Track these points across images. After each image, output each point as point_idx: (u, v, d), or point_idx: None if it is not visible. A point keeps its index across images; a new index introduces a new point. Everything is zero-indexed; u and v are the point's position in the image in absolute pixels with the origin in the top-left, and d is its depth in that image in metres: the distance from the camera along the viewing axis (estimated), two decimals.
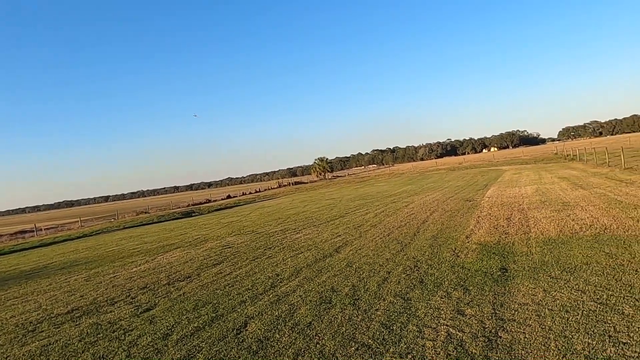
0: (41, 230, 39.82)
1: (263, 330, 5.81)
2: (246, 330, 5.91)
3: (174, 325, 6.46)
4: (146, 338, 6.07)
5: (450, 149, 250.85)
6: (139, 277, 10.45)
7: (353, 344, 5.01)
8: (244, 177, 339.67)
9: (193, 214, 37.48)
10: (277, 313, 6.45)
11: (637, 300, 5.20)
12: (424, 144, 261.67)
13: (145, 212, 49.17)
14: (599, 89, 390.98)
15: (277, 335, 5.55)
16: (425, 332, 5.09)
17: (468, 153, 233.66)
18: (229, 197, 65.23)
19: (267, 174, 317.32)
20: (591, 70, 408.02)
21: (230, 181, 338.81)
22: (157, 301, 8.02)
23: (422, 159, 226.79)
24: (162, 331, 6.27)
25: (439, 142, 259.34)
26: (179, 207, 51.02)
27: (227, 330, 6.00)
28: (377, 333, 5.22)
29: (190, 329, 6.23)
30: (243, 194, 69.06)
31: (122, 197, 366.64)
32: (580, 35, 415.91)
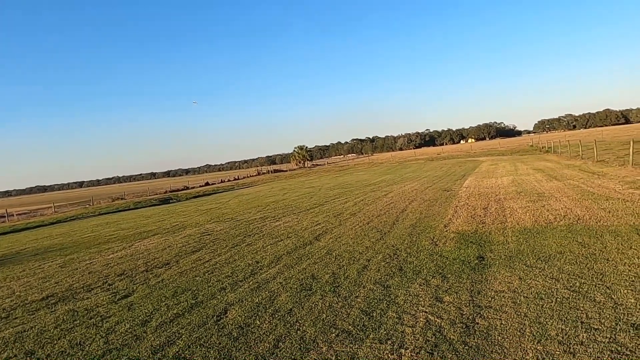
0: (13, 215, 38.85)
1: (243, 317, 5.81)
2: (226, 316, 5.90)
3: (153, 312, 6.41)
4: (124, 325, 6.00)
5: (429, 139, 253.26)
6: (116, 264, 10.30)
7: (333, 330, 5.05)
8: (223, 165, 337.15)
9: (171, 201, 37.05)
10: (257, 300, 6.45)
11: (607, 288, 5.37)
12: (403, 134, 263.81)
13: (121, 199, 48.37)
14: (574, 83, 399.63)
15: (258, 322, 5.56)
16: (405, 318, 5.17)
17: (446, 144, 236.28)
18: (207, 184, 64.62)
19: (245, 161, 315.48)
20: (567, 64, 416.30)
21: (208, 168, 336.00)
22: (135, 288, 7.93)
23: (401, 149, 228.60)
24: (140, 318, 6.22)
25: (418, 133, 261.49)
26: (156, 194, 50.35)
27: (207, 316, 5.98)
28: (357, 319, 5.27)
29: (169, 315, 6.18)
30: (222, 182, 68.55)
31: (97, 182, 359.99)
32: (556, 30, 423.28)
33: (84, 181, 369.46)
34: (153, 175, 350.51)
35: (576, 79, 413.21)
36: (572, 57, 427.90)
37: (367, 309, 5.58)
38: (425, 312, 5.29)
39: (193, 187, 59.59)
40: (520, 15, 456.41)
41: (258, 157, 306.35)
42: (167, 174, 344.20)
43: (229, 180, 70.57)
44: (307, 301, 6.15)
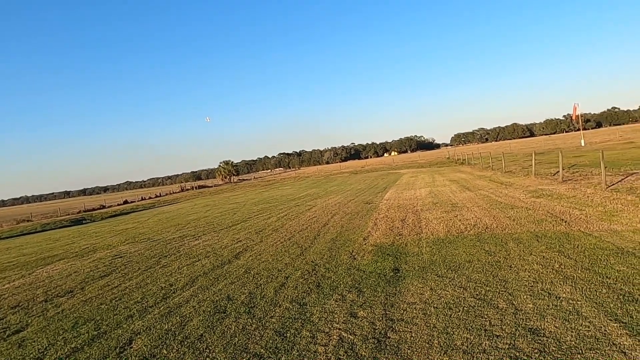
0: None
1: (149, 346, 5.41)
2: (131, 347, 5.47)
3: (47, 348, 5.80)
4: None
5: (354, 152, 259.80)
6: (11, 295, 9.31)
7: (245, 354, 4.84)
8: (144, 181, 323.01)
9: (84, 222, 34.67)
10: (166, 327, 6.07)
11: (510, 294, 5.64)
12: (330, 147, 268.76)
13: (28, 220, 44.52)
14: (486, 99, 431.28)
15: (165, 351, 5.20)
16: (318, 337, 5.07)
17: (370, 157, 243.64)
18: (126, 202, 61.36)
19: (169, 177, 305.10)
20: (479, 82, 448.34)
21: (128, 185, 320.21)
22: (29, 321, 7.17)
23: (327, 163, 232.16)
24: (32, 355, 5.60)
25: (344, 146, 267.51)
26: (69, 214, 46.92)
27: (108, 349, 5.50)
28: (270, 341, 5.10)
29: (66, 350, 5.62)
30: (142, 199, 65.39)
31: (2, 203, 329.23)
32: (468, 53, 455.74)
33: None
34: (67, 194, 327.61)
35: (488, 96, 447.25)
36: (483, 75, 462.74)
37: (281, 330, 5.42)
38: (340, 329, 5.23)
39: (110, 206, 56.22)
40: (435, 39, 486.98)
41: (182, 173, 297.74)
42: (83, 192, 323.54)
43: (150, 198, 67.43)
44: (219, 325, 5.87)
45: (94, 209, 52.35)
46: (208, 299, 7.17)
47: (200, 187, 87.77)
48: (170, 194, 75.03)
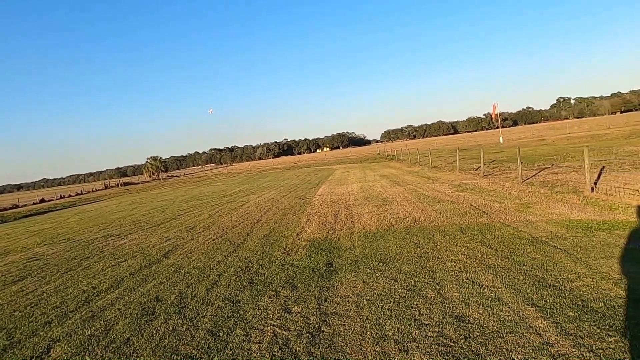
0: None
1: (70, 353, 5.07)
2: (49, 356, 5.10)
3: None
4: None
5: (287, 148, 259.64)
6: None
7: (175, 357, 4.66)
8: (64, 178, 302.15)
9: None
10: (89, 332, 5.71)
11: (437, 284, 5.89)
12: (262, 143, 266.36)
13: None
14: (414, 97, 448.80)
15: (87, 358, 4.89)
16: (252, 334, 5.00)
17: (303, 153, 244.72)
18: (42, 201, 57.10)
19: (92, 174, 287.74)
20: (407, 81, 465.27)
21: (46, 183, 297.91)
22: None
23: (260, 158, 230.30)
24: None
25: (277, 142, 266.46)
26: None
27: (23, 359, 5.09)
28: (202, 342, 4.96)
29: None
30: (61, 197, 61.27)
31: None
32: (396, 51, 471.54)
33: None
34: None
35: (416, 94, 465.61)
36: (411, 75, 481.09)
37: (213, 329, 5.29)
38: (274, 325, 5.20)
39: (25, 205, 52.11)
40: (362, 39, 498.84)
41: (107, 169, 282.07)
42: None
43: (69, 196, 63.27)
44: (148, 327, 5.62)
45: (5, 209, 48.24)
46: (135, 300, 6.85)
47: (126, 184, 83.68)
48: (93, 191, 70.94)
